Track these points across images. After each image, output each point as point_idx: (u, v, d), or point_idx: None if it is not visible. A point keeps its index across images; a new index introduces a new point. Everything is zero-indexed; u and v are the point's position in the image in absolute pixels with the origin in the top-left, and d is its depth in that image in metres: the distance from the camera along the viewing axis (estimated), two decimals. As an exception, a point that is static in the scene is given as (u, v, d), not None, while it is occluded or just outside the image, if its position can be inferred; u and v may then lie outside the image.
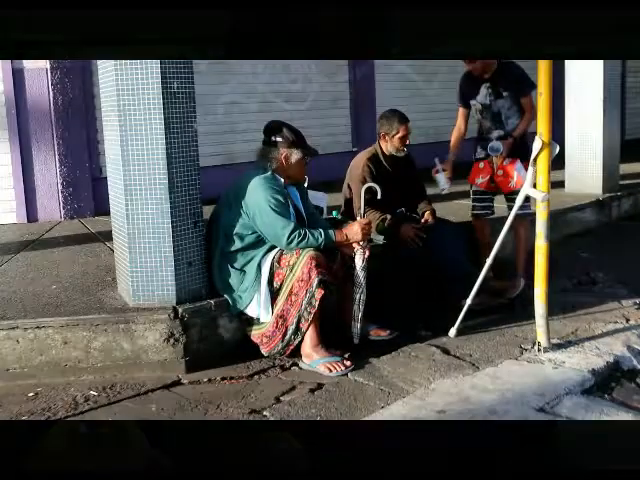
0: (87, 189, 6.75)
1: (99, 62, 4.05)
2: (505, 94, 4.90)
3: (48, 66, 6.41)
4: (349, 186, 5.06)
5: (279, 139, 4.03)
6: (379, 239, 4.82)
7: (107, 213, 5.31)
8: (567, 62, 7.35)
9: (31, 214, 6.62)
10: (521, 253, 5.10)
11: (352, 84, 9.20)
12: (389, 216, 4.79)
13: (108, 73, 3.85)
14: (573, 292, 5.12)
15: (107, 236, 5.42)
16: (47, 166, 6.57)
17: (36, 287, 4.36)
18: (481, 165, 5.03)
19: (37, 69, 6.41)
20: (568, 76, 7.39)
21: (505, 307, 4.76)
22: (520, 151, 4.85)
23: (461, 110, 5.24)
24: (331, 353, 3.89)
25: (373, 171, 4.89)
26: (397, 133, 4.87)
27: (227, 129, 7.89)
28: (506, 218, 4.26)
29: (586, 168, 7.35)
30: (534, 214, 4.05)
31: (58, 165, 6.58)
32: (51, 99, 6.47)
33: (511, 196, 4.96)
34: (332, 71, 8.98)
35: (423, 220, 4.98)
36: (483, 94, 4.98)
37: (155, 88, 3.68)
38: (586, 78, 7.24)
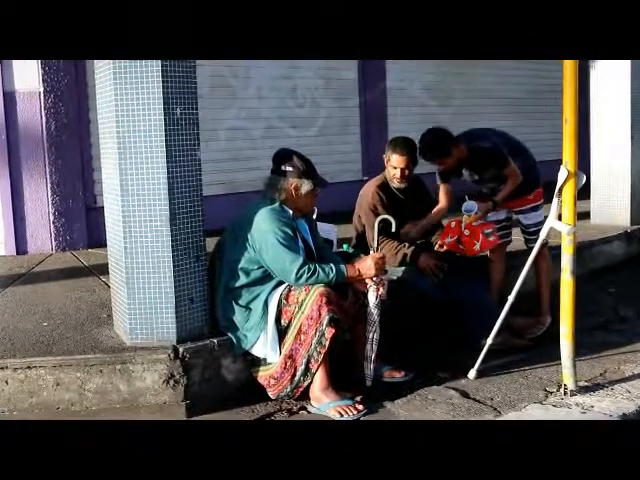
0: (80, 220, 6.77)
1: (97, 85, 4.10)
2: (486, 173, 4.94)
3: (41, 89, 6.47)
4: (359, 217, 5.08)
5: (289, 168, 4.06)
6: (394, 273, 4.82)
7: (101, 245, 5.35)
8: (592, 88, 7.40)
9: (20, 246, 6.64)
10: (543, 287, 5.11)
11: (362, 108, 9.27)
12: (408, 252, 4.80)
13: (106, 97, 3.90)
14: (601, 331, 5.12)
15: (102, 270, 5.44)
16: (38, 195, 6.60)
17: (26, 324, 4.37)
18: (452, 224, 4.92)
19: (29, 92, 6.48)
20: (593, 102, 7.44)
21: (528, 347, 4.75)
22: (528, 182, 4.90)
23: (442, 187, 5.12)
24: (342, 396, 3.89)
25: (384, 199, 4.92)
26: (389, 160, 4.93)
27: (230, 156, 7.94)
28: (523, 252, 4.28)
29: (613, 198, 7.36)
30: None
31: (50, 194, 6.60)
32: (44, 124, 6.52)
33: (527, 229, 4.99)
34: (341, 95, 9.06)
35: (437, 247, 4.98)
36: (466, 175, 5.03)
37: (157, 114, 3.72)
38: (612, 104, 7.28)
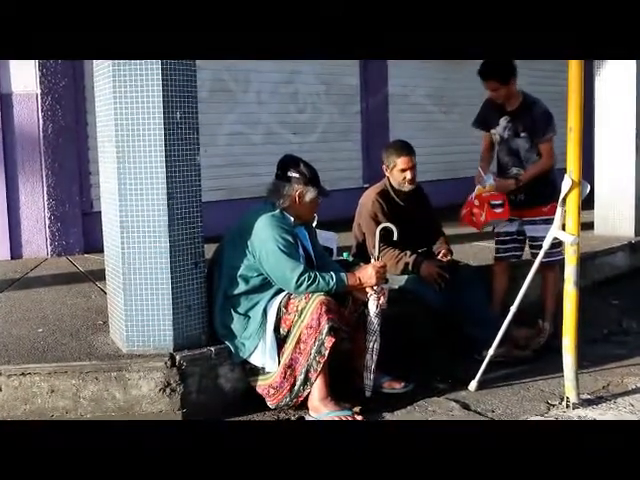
0: (77, 224, 6.79)
1: (95, 88, 4.12)
2: (523, 134, 4.96)
3: (38, 91, 6.49)
4: (359, 226, 5.09)
5: (295, 175, 4.08)
6: (395, 282, 4.82)
7: (98, 251, 5.35)
8: (596, 96, 7.43)
9: (15, 250, 6.65)
10: (548, 299, 5.11)
11: (364, 115, 9.30)
12: (410, 260, 4.82)
13: (105, 100, 3.91)
14: (604, 343, 5.13)
15: (98, 275, 5.46)
16: (34, 199, 6.62)
17: (21, 330, 4.37)
18: (469, 197, 5.02)
19: (26, 94, 6.50)
20: (598, 111, 7.46)
21: (530, 359, 4.76)
22: (546, 192, 4.90)
23: (484, 135, 5.28)
24: (341, 406, 3.89)
25: (384, 207, 4.92)
26: (395, 166, 4.93)
27: (229, 162, 7.96)
28: (530, 263, 4.30)
29: (617, 209, 7.37)
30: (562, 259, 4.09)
31: (46, 198, 6.62)
32: (41, 127, 6.54)
33: (535, 242, 4.98)
34: (343, 101, 9.09)
35: (440, 257, 5.00)
36: (502, 126, 5.04)
37: (157, 118, 3.73)
38: (616, 112, 7.30)
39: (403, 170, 4.90)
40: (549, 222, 4.83)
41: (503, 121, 5.03)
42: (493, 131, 5.11)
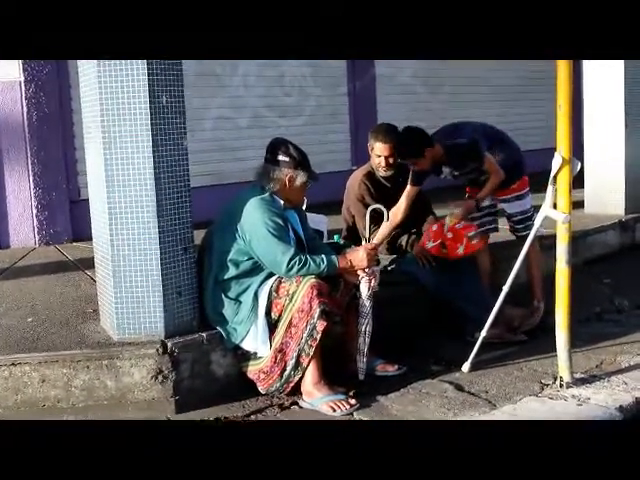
0: (64, 213, 6.75)
1: (80, 74, 4.08)
2: (466, 167, 4.90)
3: (22, 79, 6.43)
4: (349, 209, 5.08)
5: (285, 158, 4.04)
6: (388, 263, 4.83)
7: (86, 239, 5.32)
8: (585, 72, 7.40)
9: (3, 240, 6.61)
10: (535, 278, 5.12)
11: (352, 97, 9.26)
12: (403, 239, 4.82)
13: (90, 86, 3.87)
14: (596, 322, 5.16)
15: (86, 264, 5.43)
16: (20, 187, 6.57)
17: (10, 320, 4.35)
18: (434, 228, 4.89)
19: (9, 82, 6.44)
20: (586, 88, 7.43)
21: (523, 341, 4.76)
22: (512, 174, 4.90)
23: (409, 190, 4.90)
24: (334, 390, 3.89)
25: (371, 189, 4.94)
26: (373, 149, 4.94)
27: (216, 146, 7.92)
28: (511, 243, 4.30)
29: (607, 187, 7.35)
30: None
31: (32, 187, 6.57)
32: (25, 115, 6.49)
33: (512, 218, 4.98)
34: (330, 83, 9.04)
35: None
36: (447, 172, 4.95)
37: (142, 102, 3.70)
38: (605, 89, 7.28)
39: (378, 156, 4.90)
40: (521, 198, 4.95)
41: (445, 168, 4.91)
42: (442, 176, 5.00)
